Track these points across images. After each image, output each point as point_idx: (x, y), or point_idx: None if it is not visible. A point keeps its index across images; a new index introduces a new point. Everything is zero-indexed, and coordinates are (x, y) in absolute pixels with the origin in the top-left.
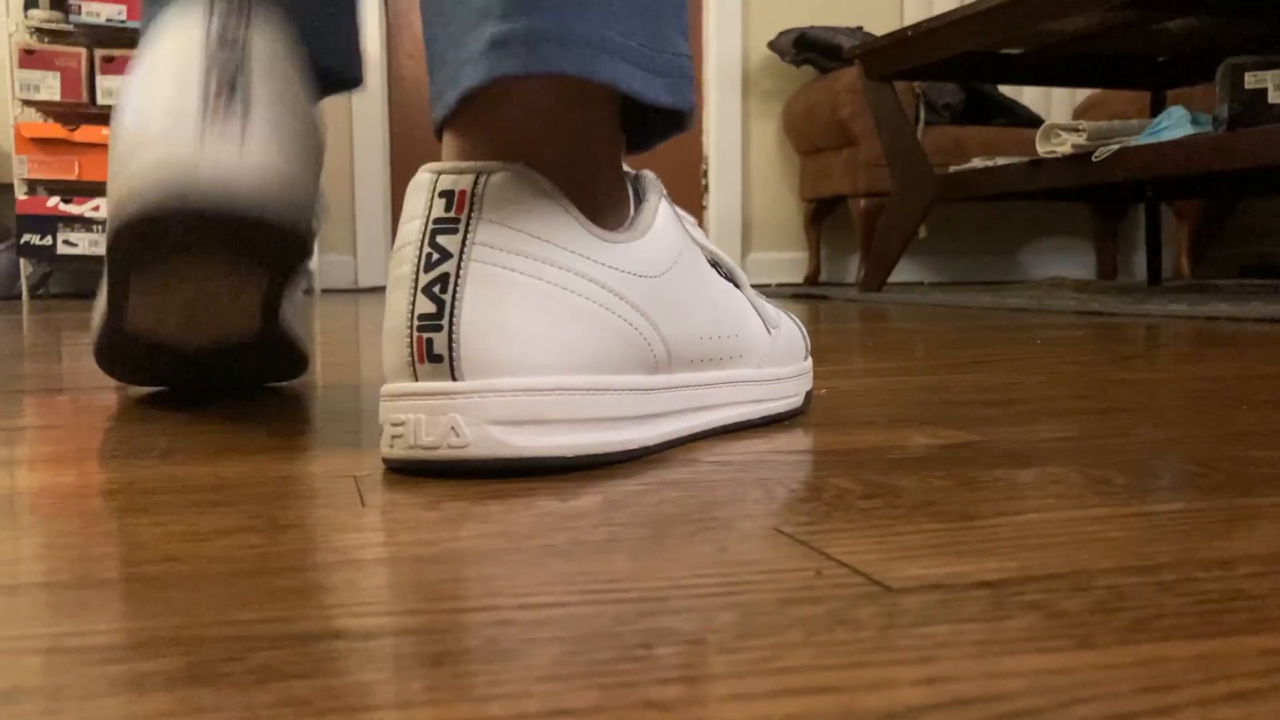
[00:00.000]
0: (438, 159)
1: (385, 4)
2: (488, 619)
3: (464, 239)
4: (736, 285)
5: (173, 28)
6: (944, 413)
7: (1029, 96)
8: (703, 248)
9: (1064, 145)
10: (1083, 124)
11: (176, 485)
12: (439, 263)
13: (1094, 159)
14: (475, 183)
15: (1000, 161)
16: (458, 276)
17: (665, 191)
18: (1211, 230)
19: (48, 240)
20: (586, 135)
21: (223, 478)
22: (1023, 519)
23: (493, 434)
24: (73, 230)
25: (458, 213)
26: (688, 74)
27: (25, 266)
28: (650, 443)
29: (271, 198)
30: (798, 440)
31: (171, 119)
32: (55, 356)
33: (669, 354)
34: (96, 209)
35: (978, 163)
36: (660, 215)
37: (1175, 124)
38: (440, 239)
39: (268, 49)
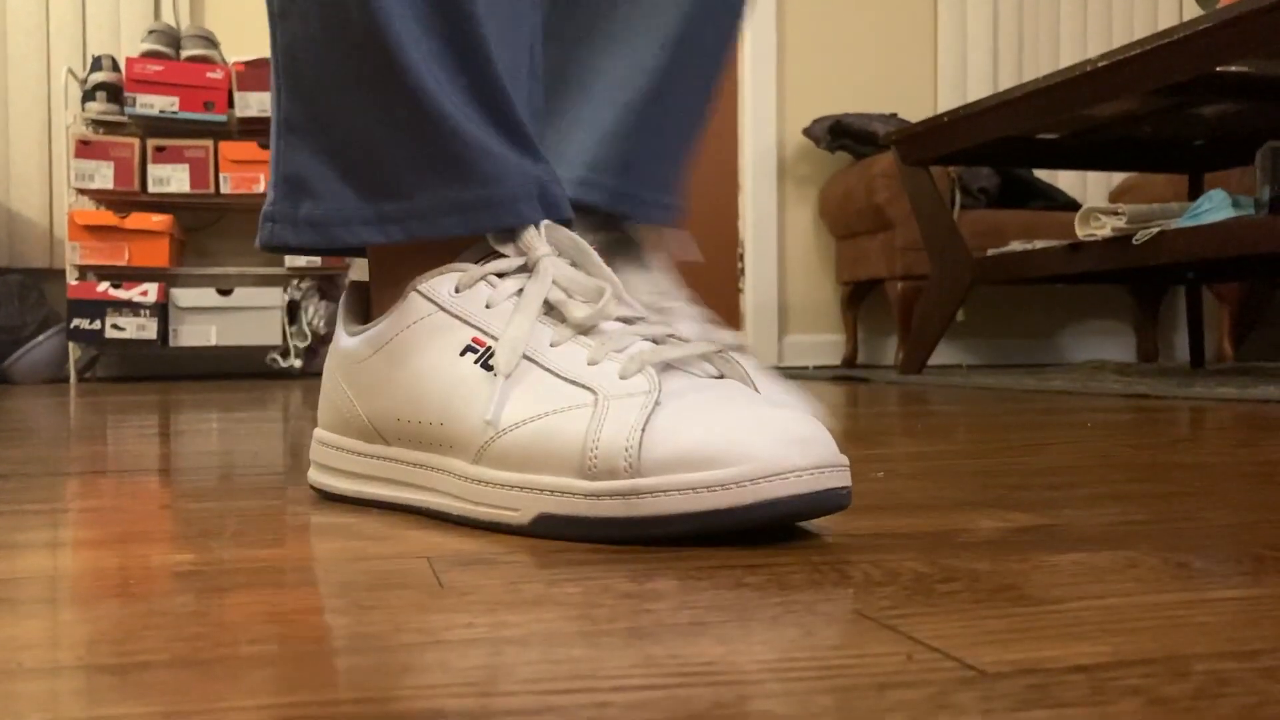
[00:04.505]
0: None
1: None
2: (585, 701)
3: None
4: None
5: None
6: (1006, 496)
7: (1064, 180)
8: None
9: (1104, 228)
10: (1122, 207)
11: (254, 566)
12: None
13: (1134, 242)
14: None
15: (1039, 244)
16: None
17: (437, 296)
18: (1253, 312)
19: (96, 325)
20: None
21: (298, 559)
22: (1106, 603)
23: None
24: (121, 315)
25: None
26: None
27: (73, 350)
28: (359, 496)
29: None
30: (864, 524)
31: None
32: (101, 439)
33: (373, 427)
34: (145, 294)
35: (1016, 246)
36: (390, 315)
37: (1216, 207)
38: None
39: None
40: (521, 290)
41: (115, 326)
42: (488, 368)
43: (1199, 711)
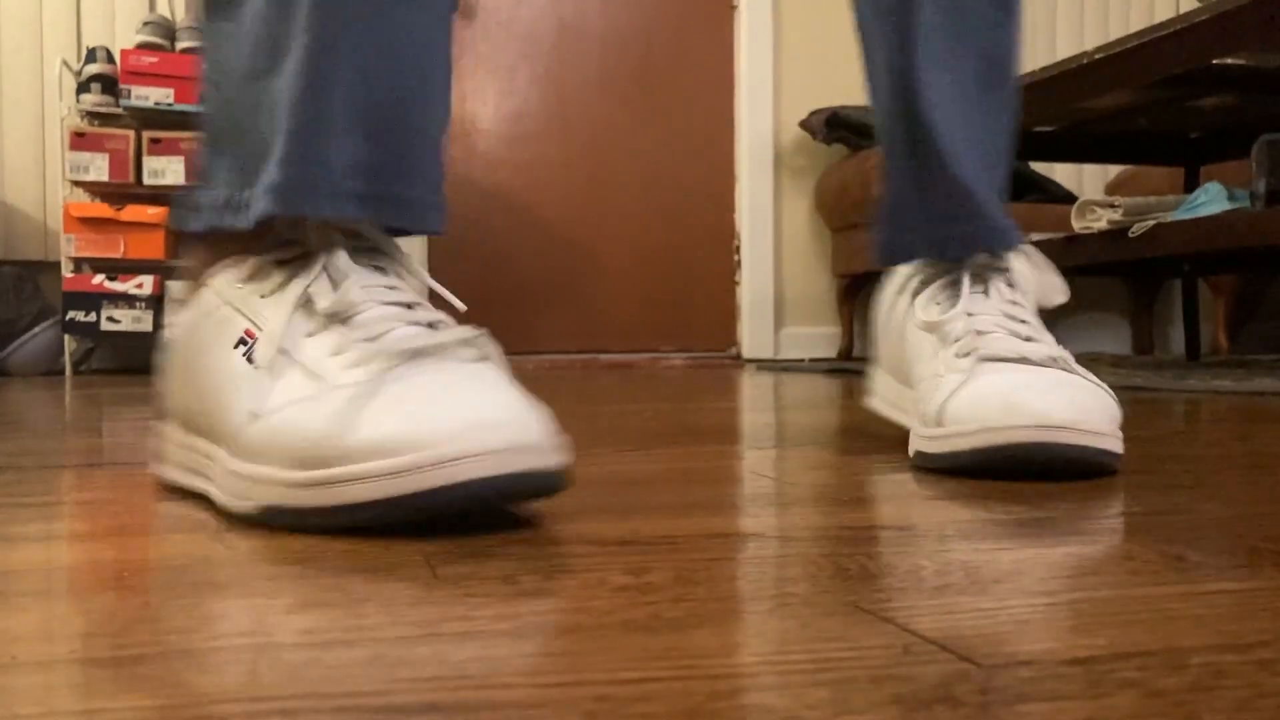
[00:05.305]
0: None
1: None
2: (584, 694)
3: None
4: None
5: None
6: (1001, 488)
7: (1061, 173)
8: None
9: (1100, 221)
10: (1119, 200)
11: (244, 559)
12: None
13: (1130, 235)
14: None
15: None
16: None
17: (221, 288)
18: (1249, 305)
19: (92, 317)
20: None
21: (290, 551)
22: (1102, 595)
23: None
24: (116, 307)
25: None
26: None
27: (69, 343)
28: (175, 484)
29: None
30: (860, 517)
31: None
32: (97, 431)
33: (179, 416)
34: (140, 286)
35: None
36: (188, 308)
37: (1212, 200)
38: None
39: None
40: (286, 281)
41: (111, 319)
42: (251, 360)
43: (1195, 704)
